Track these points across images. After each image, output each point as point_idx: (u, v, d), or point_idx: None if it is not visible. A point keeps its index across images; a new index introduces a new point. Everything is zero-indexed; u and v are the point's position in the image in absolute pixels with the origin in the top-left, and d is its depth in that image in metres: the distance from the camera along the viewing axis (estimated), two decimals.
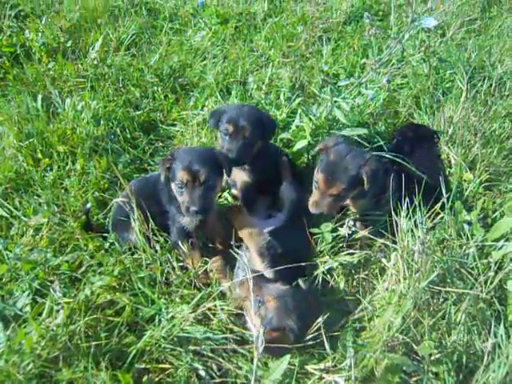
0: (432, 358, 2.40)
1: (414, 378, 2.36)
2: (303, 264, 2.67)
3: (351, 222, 2.68)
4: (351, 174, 2.77)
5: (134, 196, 2.70)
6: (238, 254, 2.74)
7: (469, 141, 3.50)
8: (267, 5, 5.31)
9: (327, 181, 2.80)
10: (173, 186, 2.70)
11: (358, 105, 3.59)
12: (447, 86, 4.13)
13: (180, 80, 4.28)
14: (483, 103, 3.87)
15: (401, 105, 4.00)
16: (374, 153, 3.23)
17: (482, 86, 4.02)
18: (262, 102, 3.92)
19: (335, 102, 3.24)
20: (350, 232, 2.68)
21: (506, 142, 3.55)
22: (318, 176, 2.86)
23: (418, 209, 2.69)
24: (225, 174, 2.80)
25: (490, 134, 3.53)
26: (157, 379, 2.37)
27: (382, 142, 3.22)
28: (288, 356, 2.39)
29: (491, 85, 4.09)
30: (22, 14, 4.90)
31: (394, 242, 2.72)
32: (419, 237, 2.60)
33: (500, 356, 2.30)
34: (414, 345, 2.39)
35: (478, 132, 3.46)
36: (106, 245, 2.92)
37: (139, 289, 2.63)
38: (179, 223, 2.84)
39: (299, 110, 3.65)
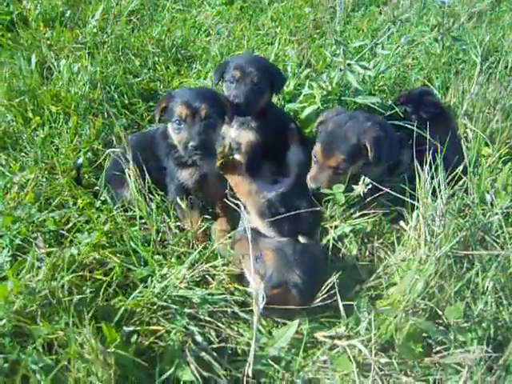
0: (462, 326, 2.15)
1: (438, 348, 2.10)
2: (309, 224, 2.43)
3: (367, 180, 2.43)
4: (351, 143, 2.55)
5: (130, 149, 2.47)
6: (238, 207, 2.46)
7: (487, 113, 3.30)
8: None
9: (325, 151, 2.60)
10: (170, 127, 2.50)
11: (369, 76, 3.38)
12: (461, 66, 3.96)
13: (183, 52, 4.09)
14: (498, 83, 3.68)
15: (413, 81, 3.81)
16: (390, 121, 3.05)
17: (496, 67, 3.85)
18: None
19: (348, 65, 3.04)
20: (366, 190, 2.44)
21: None
22: (316, 148, 2.65)
23: (440, 169, 2.46)
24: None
25: (509, 107, 3.32)
26: (147, 343, 2.09)
27: (397, 109, 3.00)
28: (296, 322, 2.13)
29: (506, 66, 3.92)
30: None
31: (412, 208, 2.50)
32: (441, 198, 2.37)
33: None
34: (438, 310, 2.13)
35: (497, 104, 3.26)
36: (97, 203, 2.67)
37: (131, 247, 2.38)
38: (177, 179, 2.60)
39: (307, 82, 3.47)
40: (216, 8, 4.83)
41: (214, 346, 2.11)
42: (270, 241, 2.34)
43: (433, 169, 2.43)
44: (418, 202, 2.42)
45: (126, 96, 3.47)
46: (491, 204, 2.66)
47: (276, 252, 2.23)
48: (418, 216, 2.37)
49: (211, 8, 4.85)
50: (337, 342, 2.09)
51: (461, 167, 2.59)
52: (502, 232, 2.46)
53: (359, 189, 2.43)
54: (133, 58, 3.84)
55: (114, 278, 2.30)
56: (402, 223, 2.55)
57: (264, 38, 4.37)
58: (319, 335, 2.18)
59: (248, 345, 2.14)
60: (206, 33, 4.40)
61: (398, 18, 2.77)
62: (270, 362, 2.09)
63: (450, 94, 3.58)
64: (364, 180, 2.43)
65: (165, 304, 2.16)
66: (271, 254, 2.23)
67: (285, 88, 3.54)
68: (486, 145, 3.16)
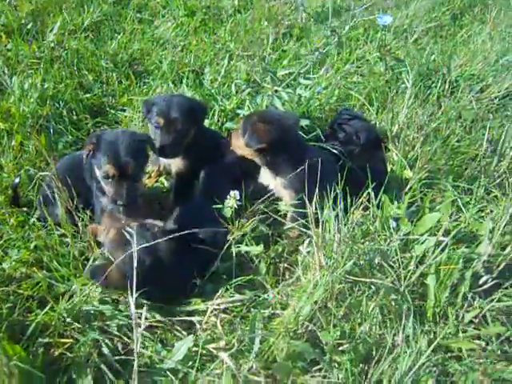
0: (340, 348, 2.37)
1: (317, 367, 2.33)
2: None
3: (237, 193, 2.72)
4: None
5: (58, 172, 2.69)
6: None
7: (413, 139, 3.48)
8: (237, 1, 5.33)
9: None
10: (98, 172, 2.64)
11: (305, 97, 3.56)
12: (402, 85, 4.11)
13: (136, 67, 4.28)
14: (435, 104, 3.87)
15: (352, 101, 3.99)
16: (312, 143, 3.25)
17: (435, 86, 4.02)
18: (213, 91, 3.90)
19: (276, 91, 3.23)
20: (237, 204, 2.72)
21: (451, 141, 3.53)
22: None
23: (338, 198, 2.67)
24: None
25: (434, 132, 3.51)
26: (56, 353, 2.34)
27: (318, 131, 3.21)
28: (190, 337, 2.37)
29: (445, 88, 4.09)
30: None
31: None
32: (338, 226, 2.59)
33: (407, 349, 2.27)
34: (318, 333, 2.36)
35: (422, 129, 3.44)
36: (31, 220, 2.90)
37: (53, 265, 2.61)
38: (101, 203, 2.81)
39: (247, 102, 3.67)
40: (178, 19, 4.99)
41: (117, 358, 2.36)
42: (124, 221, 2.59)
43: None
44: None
45: (74, 112, 3.68)
46: (394, 230, 2.85)
47: (117, 230, 2.48)
48: (310, 243, 2.58)
49: (174, 19, 5.02)
50: (219, 354, 2.33)
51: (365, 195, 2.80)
52: (398, 258, 2.66)
53: (231, 202, 2.69)
54: (86, 72, 4.04)
55: (37, 293, 2.54)
56: (300, 247, 2.76)
57: (219, 52, 4.54)
58: (210, 347, 2.41)
59: (150, 357, 2.39)
60: (162, 47, 4.57)
61: (317, 51, 2.96)
62: (169, 373, 2.32)
63: (384, 115, 3.76)
64: (233, 193, 2.72)
65: (76, 321, 2.40)
66: (113, 232, 2.49)
67: (227, 106, 3.75)
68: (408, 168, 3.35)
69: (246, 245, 2.80)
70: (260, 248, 2.76)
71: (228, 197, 2.67)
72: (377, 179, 2.95)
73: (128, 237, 2.32)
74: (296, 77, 3.20)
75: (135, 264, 2.12)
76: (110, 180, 2.58)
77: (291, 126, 2.94)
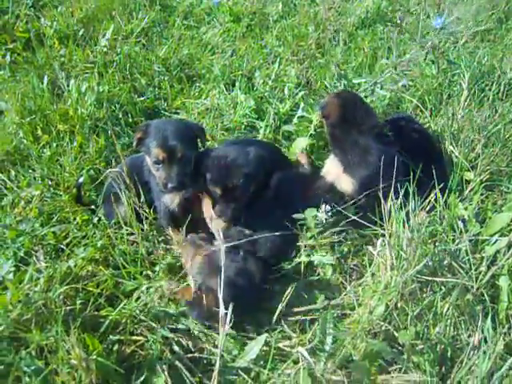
0: (416, 348, 2.31)
1: (394, 367, 2.28)
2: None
3: (328, 207, 2.68)
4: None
5: (127, 170, 2.70)
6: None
7: (472, 140, 3.42)
8: (281, 7, 5.35)
9: None
10: (148, 159, 2.68)
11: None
12: (455, 88, 4.06)
13: (187, 71, 4.32)
14: (490, 106, 3.79)
15: (405, 104, 3.93)
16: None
17: (489, 89, 3.95)
18: (266, 94, 3.90)
19: None
20: (327, 217, 2.65)
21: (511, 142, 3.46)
22: None
23: (410, 197, 2.62)
24: None
25: (494, 133, 3.44)
26: (129, 350, 2.33)
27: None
28: (263, 336, 2.33)
29: (499, 90, 4.02)
30: (40, 3, 5.04)
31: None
32: (409, 224, 2.54)
33: (485, 351, 2.20)
34: (395, 332, 2.30)
35: (482, 131, 3.38)
36: (95, 219, 2.91)
37: (121, 262, 2.61)
38: (163, 202, 2.81)
39: (302, 103, 3.66)
40: (224, 25, 5.04)
41: (189, 356, 2.34)
42: (208, 247, 2.54)
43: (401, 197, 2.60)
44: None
45: (130, 115, 3.72)
46: (462, 231, 2.79)
47: (205, 257, 2.44)
48: (382, 242, 2.53)
49: (220, 25, 5.07)
50: (297, 350, 2.28)
51: (432, 194, 2.75)
52: (469, 259, 2.60)
53: (321, 216, 2.63)
54: (139, 76, 4.09)
55: (105, 290, 2.54)
56: (370, 248, 2.70)
57: (267, 57, 4.54)
58: (282, 345, 2.38)
59: (221, 357, 2.36)
60: (211, 51, 4.62)
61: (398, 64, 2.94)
62: (241, 372, 2.29)
63: (438, 117, 3.70)
64: (325, 207, 2.63)
65: (147, 319, 2.39)
66: (200, 259, 2.44)
67: (281, 109, 3.74)
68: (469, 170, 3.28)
69: (314, 247, 2.78)
70: (330, 258, 2.73)
71: (321, 209, 2.65)
72: (437, 180, 2.90)
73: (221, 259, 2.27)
74: (373, 86, 3.19)
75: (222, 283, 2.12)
76: (160, 165, 2.59)
77: (366, 116, 2.96)
